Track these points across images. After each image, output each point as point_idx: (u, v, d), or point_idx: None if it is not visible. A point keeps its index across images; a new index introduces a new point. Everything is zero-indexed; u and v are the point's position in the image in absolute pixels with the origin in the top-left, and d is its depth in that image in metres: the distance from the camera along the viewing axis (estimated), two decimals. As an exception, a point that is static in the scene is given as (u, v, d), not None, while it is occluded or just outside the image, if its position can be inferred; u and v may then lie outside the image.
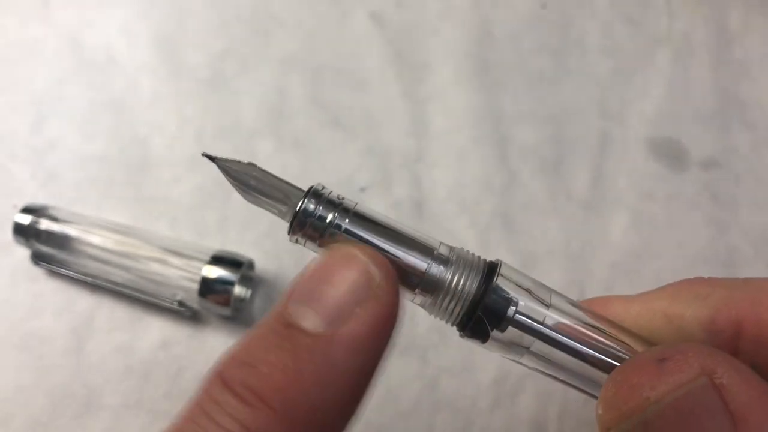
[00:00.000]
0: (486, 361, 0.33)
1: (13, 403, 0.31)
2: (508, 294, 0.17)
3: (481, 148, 0.38)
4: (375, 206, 0.36)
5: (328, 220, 0.17)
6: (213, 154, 0.18)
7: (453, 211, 0.36)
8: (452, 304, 0.17)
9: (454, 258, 0.17)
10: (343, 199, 0.18)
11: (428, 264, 0.17)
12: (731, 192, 0.37)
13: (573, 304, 0.18)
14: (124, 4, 0.41)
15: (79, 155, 0.36)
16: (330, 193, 0.18)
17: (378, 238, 0.17)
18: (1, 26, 0.40)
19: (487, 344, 0.18)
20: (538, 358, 0.18)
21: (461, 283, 0.17)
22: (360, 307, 0.15)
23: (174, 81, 0.39)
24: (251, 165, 0.18)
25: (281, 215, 0.18)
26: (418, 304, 0.18)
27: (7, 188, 0.36)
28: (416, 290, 0.17)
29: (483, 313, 0.17)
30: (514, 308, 0.17)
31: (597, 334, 0.17)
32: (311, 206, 0.17)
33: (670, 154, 0.38)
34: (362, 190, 0.36)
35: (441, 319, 0.18)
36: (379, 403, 0.31)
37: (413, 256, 0.17)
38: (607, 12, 0.42)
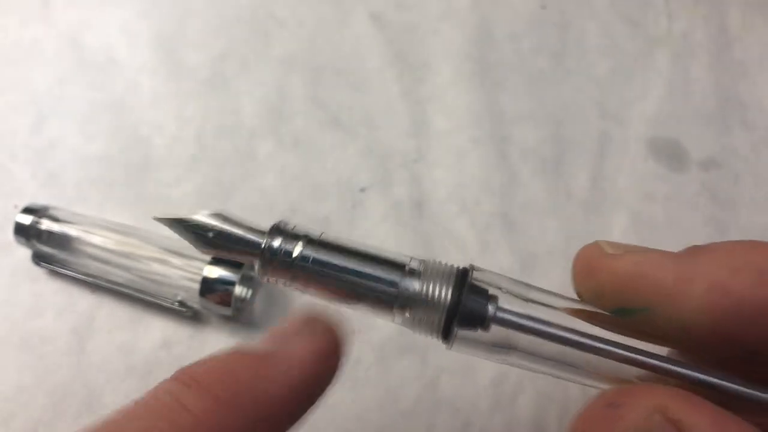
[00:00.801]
0: (486, 361, 0.33)
1: (14, 403, 0.31)
2: (485, 292, 0.18)
3: (481, 148, 0.38)
4: (375, 206, 0.36)
5: (294, 255, 0.17)
6: (163, 216, 0.18)
7: (453, 211, 0.36)
8: (431, 316, 0.17)
9: (425, 270, 0.17)
10: (306, 233, 0.18)
11: (400, 280, 0.17)
12: (731, 192, 0.37)
13: (555, 296, 0.18)
14: (124, 4, 0.41)
15: (79, 155, 0.36)
16: (294, 227, 0.18)
17: (347, 262, 0.17)
18: (1, 26, 0.40)
19: (474, 349, 0.18)
20: (528, 354, 0.18)
21: (436, 292, 0.17)
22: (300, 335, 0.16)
23: (174, 81, 0.39)
24: (212, 217, 0.18)
25: (249, 261, 0.18)
26: (400, 324, 0.18)
27: (8, 188, 0.36)
28: (393, 309, 0.17)
29: (462, 316, 0.17)
30: (494, 306, 0.17)
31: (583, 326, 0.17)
32: (275, 244, 0.17)
33: (670, 154, 0.38)
34: (362, 190, 0.36)
35: (427, 335, 0.18)
36: (379, 403, 0.31)
37: (384, 275, 0.17)
38: (607, 12, 0.42)
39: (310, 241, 0.17)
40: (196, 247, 0.17)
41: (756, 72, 0.41)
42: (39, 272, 0.34)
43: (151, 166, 0.36)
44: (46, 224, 0.33)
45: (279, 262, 0.17)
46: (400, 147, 0.38)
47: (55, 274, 0.34)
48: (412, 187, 0.37)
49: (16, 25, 0.40)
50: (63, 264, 0.33)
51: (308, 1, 0.41)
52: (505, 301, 0.18)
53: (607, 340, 0.17)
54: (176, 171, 0.36)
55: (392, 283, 0.17)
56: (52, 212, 0.33)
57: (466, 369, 0.33)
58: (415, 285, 0.17)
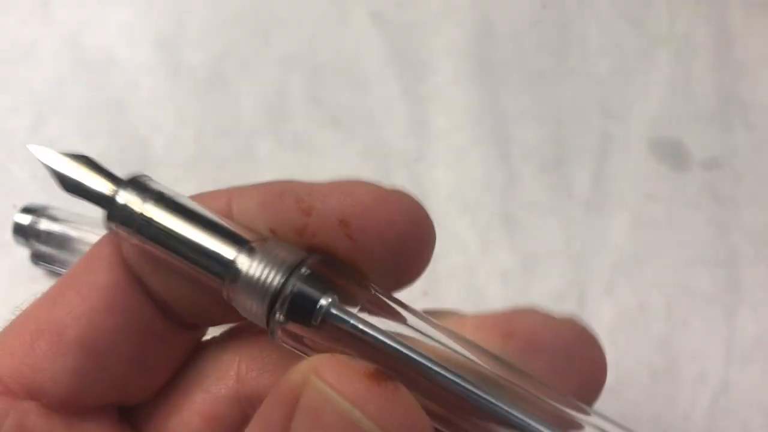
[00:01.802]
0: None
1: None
2: (323, 284, 0.16)
3: (481, 147, 0.38)
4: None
5: (137, 211, 0.16)
6: (35, 148, 0.17)
7: (453, 211, 0.36)
8: (256, 299, 0.16)
9: (263, 250, 0.16)
10: (161, 190, 0.17)
11: (235, 257, 0.16)
12: (732, 192, 0.37)
13: (395, 303, 0.17)
14: (123, 4, 0.41)
15: (78, 155, 0.36)
16: (150, 183, 0.17)
17: (187, 227, 0.16)
18: (0, 26, 0.40)
19: (302, 347, 0.16)
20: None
21: (264, 274, 0.16)
22: None
23: (174, 81, 0.39)
24: (75, 158, 0.17)
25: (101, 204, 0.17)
26: (235, 306, 0.17)
27: (7, 188, 0.36)
28: (223, 287, 0.16)
29: (288, 304, 0.16)
30: (327, 300, 0.16)
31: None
32: (124, 197, 0.17)
33: (671, 154, 0.38)
34: (362, 190, 0.36)
35: (254, 321, 0.16)
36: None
37: (219, 248, 0.16)
38: (608, 12, 0.42)
39: (160, 199, 0.16)
40: (58, 185, 0.17)
41: (757, 71, 0.40)
42: (38, 272, 0.34)
43: (150, 165, 0.36)
44: (44, 224, 0.33)
45: (123, 217, 0.16)
46: (400, 147, 0.38)
47: (54, 274, 0.33)
48: (412, 187, 0.36)
49: (16, 25, 0.40)
50: (62, 264, 0.33)
51: (308, 1, 0.41)
52: (348, 300, 0.16)
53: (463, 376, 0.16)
54: (175, 171, 0.36)
55: (223, 259, 0.16)
56: (51, 212, 0.33)
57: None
58: (247, 264, 0.16)
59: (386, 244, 0.17)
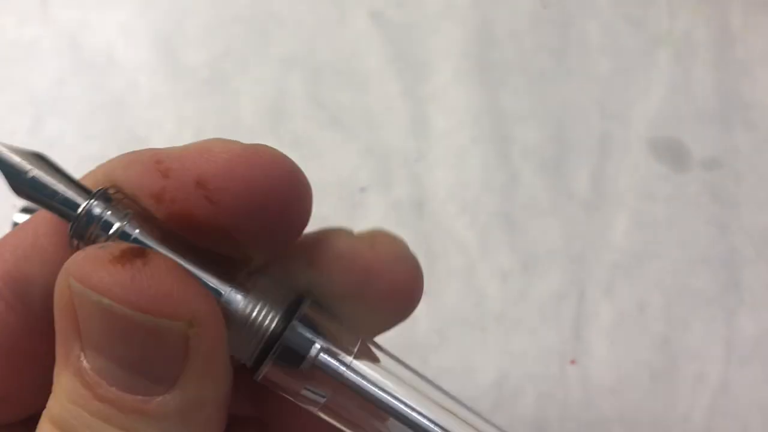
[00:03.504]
0: (486, 362, 0.33)
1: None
2: (310, 334, 0.16)
3: (481, 147, 0.38)
4: (375, 206, 0.36)
5: (113, 229, 0.15)
6: None
7: (453, 211, 0.36)
8: (247, 340, 0.16)
9: (254, 287, 0.16)
10: (137, 206, 0.16)
11: (226, 292, 0.15)
12: (733, 192, 0.37)
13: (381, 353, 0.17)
14: (122, 4, 0.41)
15: (78, 155, 0.36)
16: (124, 197, 0.16)
17: (172, 253, 0.15)
18: (0, 26, 0.40)
19: (283, 385, 0.16)
20: (339, 407, 0.16)
21: (260, 316, 0.15)
22: None
23: (173, 81, 0.39)
24: (32, 157, 0.16)
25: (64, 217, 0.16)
26: None
27: (6, 188, 0.36)
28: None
29: (283, 350, 0.15)
30: (317, 347, 0.16)
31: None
32: (96, 211, 0.15)
33: (672, 154, 0.38)
34: (362, 190, 0.36)
35: (238, 357, 0.16)
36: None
37: (209, 280, 0.15)
38: (609, 12, 0.42)
39: (137, 216, 0.15)
40: (10, 188, 0.16)
41: (758, 71, 0.40)
42: (37, 272, 0.34)
43: (150, 166, 0.36)
44: (44, 224, 0.33)
45: (93, 233, 0.15)
46: (400, 147, 0.38)
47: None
48: (412, 187, 0.36)
49: (15, 25, 0.40)
50: (61, 264, 0.33)
51: (308, 1, 0.41)
52: (325, 348, 0.16)
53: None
54: (175, 171, 0.36)
55: (216, 292, 0.15)
56: (50, 212, 0.33)
57: (466, 370, 0.33)
58: (239, 301, 0.15)
59: (250, 204, 0.16)
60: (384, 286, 0.17)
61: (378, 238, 0.18)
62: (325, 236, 0.18)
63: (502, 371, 0.32)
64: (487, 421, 0.17)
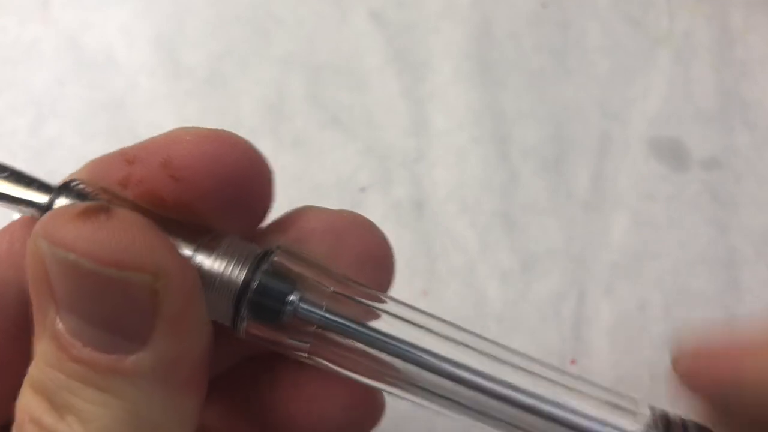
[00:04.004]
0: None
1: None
2: (287, 278, 0.16)
3: (481, 147, 0.38)
4: (375, 206, 0.36)
5: None
6: None
7: (453, 211, 0.36)
8: (220, 299, 0.16)
9: (221, 246, 0.16)
10: (99, 194, 0.16)
11: (192, 254, 0.15)
12: (732, 192, 0.37)
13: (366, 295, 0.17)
14: (123, 4, 0.41)
15: (78, 155, 0.36)
16: (84, 187, 0.16)
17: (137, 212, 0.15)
18: (0, 26, 0.40)
19: (269, 340, 0.16)
20: (331, 353, 0.16)
21: (227, 271, 0.15)
22: None
23: (173, 81, 0.39)
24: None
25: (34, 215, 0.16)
26: None
27: (7, 188, 0.36)
28: None
29: (256, 304, 0.15)
30: (292, 297, 0.15)
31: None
32: (61, 204, 0.16)
33: (672, 154, 0.38)
34: (362, 190, 0.36)
35: (216, 319, 0.16)
36: (379, 404, 0.31)
37: (176, 240, 0.16)
38: (608, 11, 0.42)
39: (103, 194, 0.16)
40: None
41: (758, 71, 0.40)
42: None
43: (150, 165, 0.36)
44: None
45: None
46: (400, 146, 0.38)
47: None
48: (412, 187, 0.36)
49: (15, 25, 0.40)
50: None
51: (308, 1, 0.41)
52: (309, 289, 0.16)
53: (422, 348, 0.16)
54: (175, 171, 0.36)
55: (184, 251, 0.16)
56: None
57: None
58: (208, 260, 0.16)
59: (212, 179, 0.16)
60: (356, 249, 0.18)
61: (344, 211, 0.19)
62: (295, 211, 0.19)
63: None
64: (495, 343, 0.16)
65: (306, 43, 0.40)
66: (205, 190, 0.16)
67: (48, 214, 0.15)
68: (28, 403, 0.15)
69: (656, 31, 0.41)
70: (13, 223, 0.17)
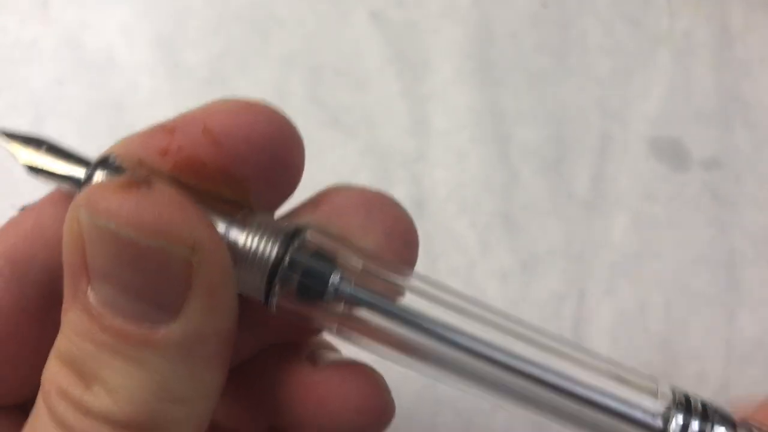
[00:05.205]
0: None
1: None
2: (325, 256, 0.16)
3: (481, 147, 0.38)
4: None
5: None
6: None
7: (453, 211, 0.36)
8: (252, 274, 0.16)
9: (255, 222, 0.16)
10: (134, 169, 0.17)
11: (225, 230, 0.16)
12: (732, 192, 0.37)
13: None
14: (123, 4, 0.41)
15: (78, 155, 0.36)
16: (122, 162, 0.17)
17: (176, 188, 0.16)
18: (0, 26, 0.40)
19: (301, 316, 0.17)
20: (366, 330, 0.17)
21: (260, 247, 0.16)
22: None
23: (173, 80, 0.39)
24: (37, 140, 0.18)
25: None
26: None
27: (6, 188, 0.36)
28: None
29: (301, 284, 0.16)
30: (325, 271, 0.16)
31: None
32: (98, 178, 0.17)
33: (672, 153, 0.38)
34: (362, 190, 0.36)
35: (251, 295, 0.17)
36: (379, 404, 0.31)
37: (212, 215, 0.16)
38: (608, 11, 0.42)
39: (141, 168, 0.17)
40: (25, 169, 0.17)
41: (758, 71, 0.40)
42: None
43: (150, 165, 0.36)
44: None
45: None
46: (400, 147, 0.38)
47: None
48: (412, 187, 0.36)
49: (15, 25, 0.40)
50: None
51: (308, 1, 0.41)
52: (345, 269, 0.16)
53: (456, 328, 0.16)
54: (175, 171, 0.36)
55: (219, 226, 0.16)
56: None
57: (466, 370, 0.33)
58: (241, 235, 0.16)
59: (250, 146, 0.17)
60: (385, 225, 0.18)
61: (371, 188, 0.19)
62: (325, 189, 0.19)
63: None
64: (521, 322, 0.17)
65: (306, 43, 0.40)
66: (244, 156, 0.17)
67: (90, 186, 0.15)
68: (54, 374, 0.15)
69: (656, 31, 0.41)
70: (40, 203, 0.18)
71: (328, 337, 0.19)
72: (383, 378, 0.19)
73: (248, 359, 0.20)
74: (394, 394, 0.32)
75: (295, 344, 0.20)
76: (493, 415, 0.32)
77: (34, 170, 0.17)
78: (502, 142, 0.38)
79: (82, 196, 0.15)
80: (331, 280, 0.16)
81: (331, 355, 0.20)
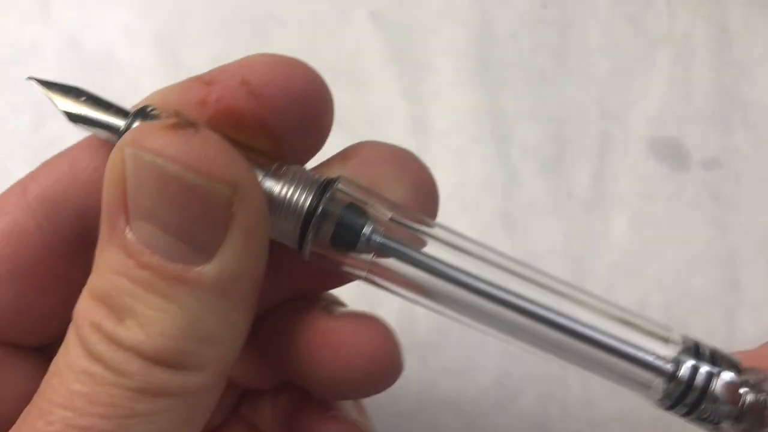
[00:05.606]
0: (486, 361, 0.33)
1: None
2: (357, 208, 0.17)
3: (481, 147, 0.38)
4: (375, 206, 0.36)
5: None
6: (36, 78, 0.18)
7: (453, 211, 0.36)
8: (288, 218, 0.17)
9: (289, 173, 0.17)
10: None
11: (261, 179, 0.17)
12: (732, 192, 0.37)
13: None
14: (123, 4, 0.41)
15: (78, 155, 0.36)
16: (159, 112, 0.17)
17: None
18: (0, 26, 0.40)
19: (332, 262, 0.17)
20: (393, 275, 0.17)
21: (295, 196, 0.17)
22: None
23: (174, 80, 0.38)
24: (78, 90, 0.18)
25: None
26: None
27: (6, 187, 0.36)
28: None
29: (338, 225, 0.17)
30: (369, 226, 0.17)
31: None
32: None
33: (671, 153, 0.38)
34: (362, 190, 0.36)
35: (283, 241, 0.17)
36: (379, 404, 0.31)
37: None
38: (608, 12, 0.42)
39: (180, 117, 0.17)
40: (66, 117, 0.18)
41: (757, 71, 0.40)
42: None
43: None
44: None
45: None
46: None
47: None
48: (412, 187, 0.36)
49: (16, 25, 0.40)
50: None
51: (308, 0, 0.41)
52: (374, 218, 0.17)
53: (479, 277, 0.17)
54: (176, 171, 0.36)
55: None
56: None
57: (466, 369, 0.33)
58: (276, 184, 0.17)
59: (286, 97, 0.18)
60: (412, 177, 0.19)
61: (396, 145, 0.20)
62: (355, 144, 0.20)
63: (502, 370, 0.32)
64: (537, 269, 0.18)
65: (306, 43, 0.40)
66: (280, 107, 0.17)
67: (137, 126, 0.16)
68: (87, 309, 0.15)
69: (656, 31, 0.41)
70: (75, 146, 0.18)
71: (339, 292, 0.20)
72: (394, 331, 0.20)
73: (266, 312, 0.20)
74: (395, 395, 0.32)
75: (310, 299, 0.20)
76: (493, 416, 0.32)
77: (74, 117, 0.18)
78: (502, 142, 0.38)
79: (127, 136, 0.15)
80: (363, 230, 0.16)
81: (345, 309, 0.20)
